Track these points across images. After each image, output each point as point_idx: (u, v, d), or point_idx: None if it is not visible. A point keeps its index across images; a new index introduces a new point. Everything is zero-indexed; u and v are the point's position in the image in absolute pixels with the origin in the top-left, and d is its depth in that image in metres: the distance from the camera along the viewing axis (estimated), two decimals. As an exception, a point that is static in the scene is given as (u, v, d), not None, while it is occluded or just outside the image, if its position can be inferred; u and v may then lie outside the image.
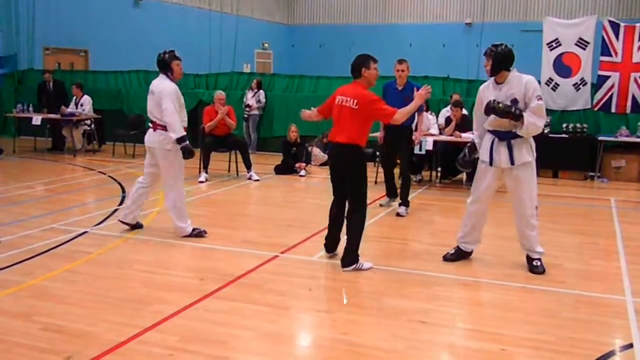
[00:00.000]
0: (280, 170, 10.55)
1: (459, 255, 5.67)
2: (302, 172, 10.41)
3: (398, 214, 7.47)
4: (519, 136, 5.18)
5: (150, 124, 6.22)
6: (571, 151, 10.46)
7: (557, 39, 10.92)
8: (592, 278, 5.30)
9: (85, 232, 6.38)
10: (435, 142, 9.29)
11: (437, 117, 10.25)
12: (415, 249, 6.19)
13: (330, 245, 5.62)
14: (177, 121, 5.93)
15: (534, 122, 5.07)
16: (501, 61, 5.18)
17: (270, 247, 5.89)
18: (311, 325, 4.26)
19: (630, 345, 3.91)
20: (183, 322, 4.10)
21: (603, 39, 10.71)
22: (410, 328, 4.10)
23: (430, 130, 9.60)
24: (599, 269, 5.58)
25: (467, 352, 3.79)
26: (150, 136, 6.19)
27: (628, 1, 21.53)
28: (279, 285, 4.87)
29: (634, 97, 10.58)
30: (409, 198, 7.68)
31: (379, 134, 8.07)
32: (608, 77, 10.68)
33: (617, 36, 10.63)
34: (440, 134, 9.74)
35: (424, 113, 10.21)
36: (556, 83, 10.91)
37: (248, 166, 9.85)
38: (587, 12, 19.50)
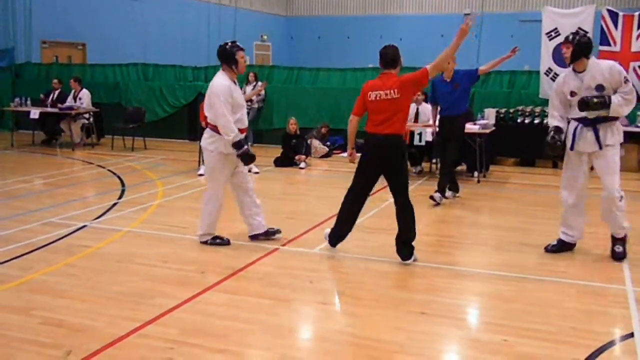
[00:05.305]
0: (280, 162, 10.53)
1: (561, 247, 5.70)
2: (302, 165, 10.39)
3: (432, 198, 7.57)
4: (604, 120, 5.31)
5: None
6: (571, 141, 10.43)
7: (556, 28, 10.87)
8: (592, 267, 5.30)
9: (85, 226, 6.36)
10: (434, 133, 9.24)
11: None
12: (415, 240, 6.17)
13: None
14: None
15: (618, 110, 5.23)
16: (582, 49, 5.26)
17: (271, 240, 5.88)
18: (312, 317, 4.25)
19: (631, 335, 3.91)
20: (183, 316, 4.10)
21: (602, 29, 10.66)
22: (410, 319, 4.09)
23: (429, 121, 9.56)
24: (599, 258, 5.57)
25: (469, 343, 3.79)
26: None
27: (627, -10, 21.47)
28: (280, 278, 4.86)
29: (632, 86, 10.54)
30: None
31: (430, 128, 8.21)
32: (607, 66, 10.64)
33: (615, 25, 10.58)
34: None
35: (423, 104, 10.23)
36: (555, 73, 10.85)
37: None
38: (586, 2, 19.40)
